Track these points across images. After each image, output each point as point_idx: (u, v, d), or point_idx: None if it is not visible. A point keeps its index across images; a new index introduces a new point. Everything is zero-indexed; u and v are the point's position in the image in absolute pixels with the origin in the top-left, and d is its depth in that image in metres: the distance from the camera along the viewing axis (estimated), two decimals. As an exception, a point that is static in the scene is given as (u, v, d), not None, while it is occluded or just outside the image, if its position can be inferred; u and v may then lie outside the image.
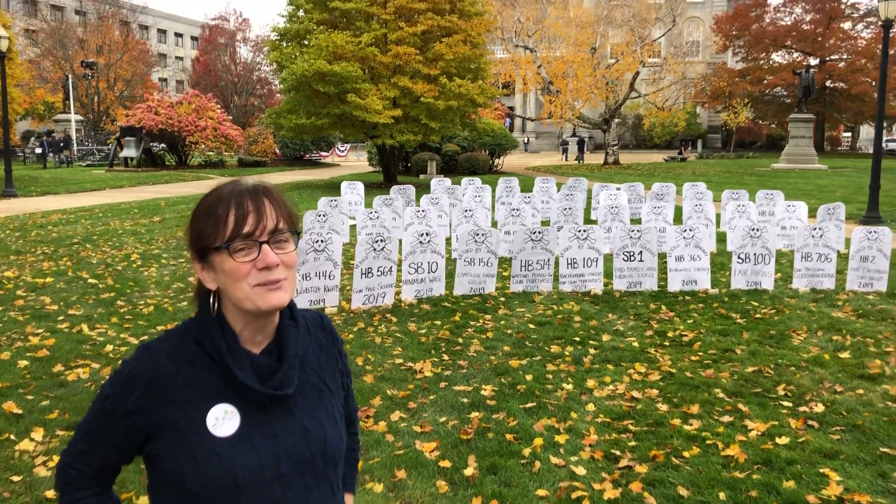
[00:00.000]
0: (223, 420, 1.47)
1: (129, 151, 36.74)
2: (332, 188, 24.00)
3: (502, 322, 7.72)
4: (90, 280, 9.77)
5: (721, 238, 12.62)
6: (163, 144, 39.41)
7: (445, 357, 6.50)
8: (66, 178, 29.52)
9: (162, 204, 19.98)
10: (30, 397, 5.45)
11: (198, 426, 1.46)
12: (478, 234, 9.02)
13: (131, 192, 24.57)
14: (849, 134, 79.98)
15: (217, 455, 1.45)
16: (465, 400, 5.44)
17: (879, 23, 16.72)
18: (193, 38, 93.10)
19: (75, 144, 45.56)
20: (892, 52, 47.36)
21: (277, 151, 43.53)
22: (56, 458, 4.40)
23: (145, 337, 7.04)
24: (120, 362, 1.55)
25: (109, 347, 6.70)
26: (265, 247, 1.45)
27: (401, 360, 6.37)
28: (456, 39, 24.28)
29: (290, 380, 1.53)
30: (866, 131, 78.75)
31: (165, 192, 24.36)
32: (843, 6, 57.70)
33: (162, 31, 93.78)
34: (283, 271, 1.48)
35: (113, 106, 59.99)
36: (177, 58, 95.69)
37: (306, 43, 24.76)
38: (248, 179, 1.55)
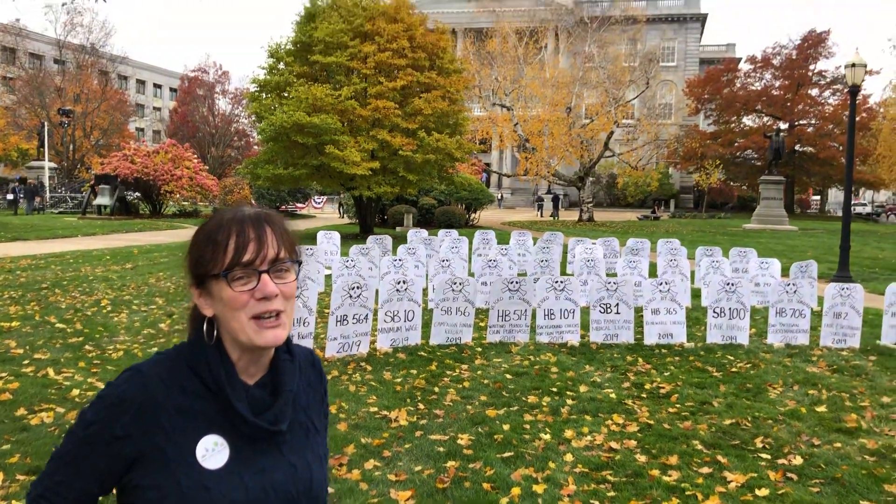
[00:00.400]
0: (213, 452, 1.41)
1: (103, 199, 36.44)
2: (308, 238, 23.90)
3: (479, 372, 7.64)
4: (58, 324, 9.55)
5: (696, 294, 12.70)
6: (137, 193, 39.17)
7: (421, 406, 6.39)
8: (38, 225, 29.15)
9: (135, 251, 19.75)
10: (-11, 441, 5.25)
11: (186, 456, 1.39)
12: (455, 283, 8.98)
13: (104, 239, 24.29)
14: (818, 197, 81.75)
15: (206, 488, 1.38)
16: (442, 449, 5.33)
17: (846, 89, 17.21)
18: (172, 90, 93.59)
19: (48, 192, 45.16)
20: (857, 118, 48.83)
21: (253, 202, 43.38)
22: (16, 503, 4.22)
23: (113, 382, 6.85)
24: (105, 386, 1.46)
25: (76, 392, 6.51)
26: (265, 276, 1.41)
27: (375, 409, 6.25)
28: (435, 95, 24.62)
29: (285, 416, 1.48)
30: (834, 195, 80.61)
31: (139, 240, 24.12)
32: (810, 73, 59.54)
33: (141, 82, 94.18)
34: (281, 302, 1.43)
35: (88, 154, 59.77)
36: (155, 108, 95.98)
37: (286, 95, 24.93)
38: (251, 206, 1.51)
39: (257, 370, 1.49)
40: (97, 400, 1.43)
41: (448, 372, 7.60)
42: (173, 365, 1.45)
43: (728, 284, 9.47)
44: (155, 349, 8.27)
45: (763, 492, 4.65)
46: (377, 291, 9.61)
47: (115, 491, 1.47)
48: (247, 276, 1.40)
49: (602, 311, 9.27)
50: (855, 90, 17.02)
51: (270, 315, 1.42)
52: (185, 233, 28.06)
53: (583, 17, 49.16)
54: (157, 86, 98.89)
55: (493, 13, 48.37)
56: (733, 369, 7.98)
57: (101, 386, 6.63)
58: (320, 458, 1.57)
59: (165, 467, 1.38)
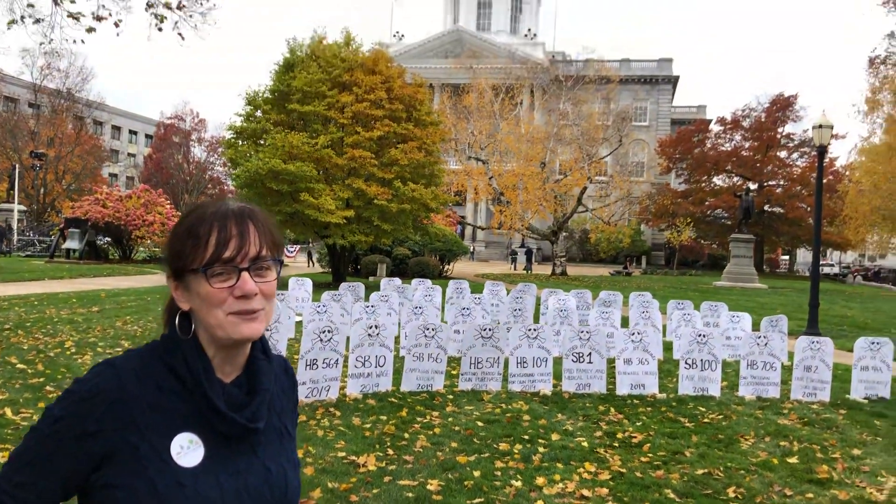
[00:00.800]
0: (187, 450, 1.35)
1: (72, 243, 35.97)
2: (280, 286, 23.72)
3: (450, 419, 7.53)
4: (19, 365, 9.29)
5: (667, 347, 12.70)
6: (108, 238, 38.73)
7: (390, 451, 6.25)
8: (3, 268, 28.62)
9: (102, 294, 19.42)
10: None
11: (160, 453, 1.33)
12: (427, 329, 8.90)
13: (71, 283, 23.88)
14: (786, 257, 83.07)
15: (181, 486, 1.32)
16: (410, 494, 5.20)
17: (813, 151, 17.66)
18: (148, 136, 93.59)
19: (16, 234, 44.54)
20: (823, 180, 50.00)
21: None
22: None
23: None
24: (74, 380, 1.38)
25: (32, 432, 6.28)
26: (245, 274, 1.38)
27: (343, 454, 6.11)
28: (411, 146, 24.82)
29: (262, 414, 1.44)
30: (803, 255, 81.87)
31: (107, 284, 23.75)
32: (778, 136, 61.08)
33: (116, 128, 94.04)
34: (260, 301, 1.40)
35: (59, 198, 59.22)
36: (129, 154, 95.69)
37: (262, 142, 25.00)
38: (234, 201, 1.48)
39: (233, 369, 1.45)
40: (66, 395, 1.36)
41: (419, 418, 7.48)
42: (147, 360, 1.40)
43: (700, 336, 9.50)
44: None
45: (736, 541, 4.58)
46: (348, 338, 9.50)
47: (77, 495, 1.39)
48: (227, 272, 1.37)
49: (575, 360, 9.23)
50: (822, 150, 17.47)
51: (249, 312, 1.39)
52: (154, 278, 27.73)
53: (558, 75, 50.16)
54: (132, 132, 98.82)
55: (469, 69, 49.21)
56: (705, 420, 7.95)
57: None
58: (294, 464, 1.53)
59: (138, 465, 1.32)
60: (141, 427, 1.33)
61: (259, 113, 25.80)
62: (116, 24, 12.20)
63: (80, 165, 61.34)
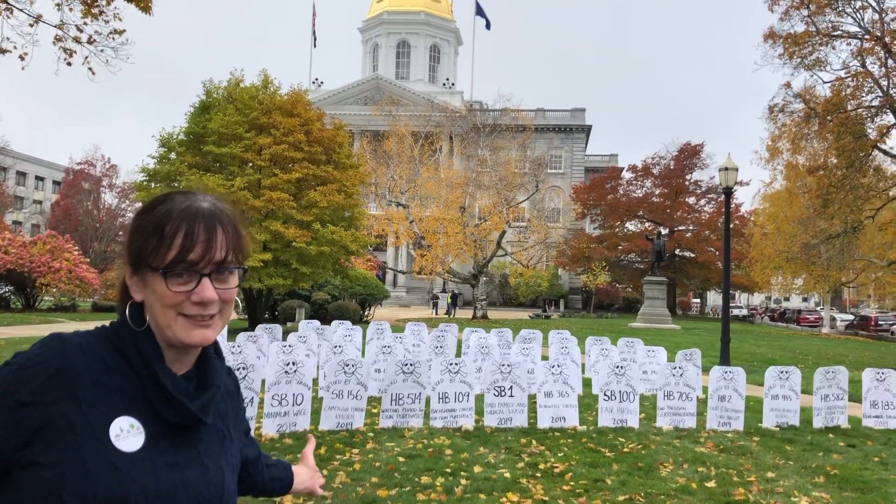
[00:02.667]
0: (127, 434, 1.26)
1: (-29, 291, 34.16)
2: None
3: (370, 455, 7.34)
4: None
5: (587, 383, 12.82)
6: (10, 287, 36.91)
7: (308, 488, 6.02)
8: None
9: (2, 343, 18.39)
10: None
11: (97, 432, 1.23)
12: (347, 365, 8.73)
13: (-33, 331, 22.55)
14: (698, 300, 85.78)
15: (114, 468, 1.22)
16: (329, 529, 5.01)
17: (720, 197, 18.39)
18: (56, 183, 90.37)
19: None
20: (731, 224, 52.15)
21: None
22: None
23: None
24: (13, 354, 1.29)
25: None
26: (205, 280, 1.32)
27: (259, 491, 5.85)
28: (331, 188, 24.69)
29: (210, 409, 1.38)
30: (713, 297, 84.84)
31: (8, 333, 22.52)
32: (687, 183, 63.54)
33: (22, 174, 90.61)
34: (216, 307, 1.34)
35: (-42, 245, 56.26)
36: (35, 201, 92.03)
37: (176, 184, 24.42)
38: (206, 197, 1.41)
39: (182, 366, 1.39)
40: (4, 365, 1.27)
41: (338, 455, 7.27)
42: (96, 340, 1.32)
43: (618, 367, 9.62)
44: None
45: (659, 561, 4.56)
46: (263, 381, 9.23)
47: None
48: (187, 276, 1.31)
49: (496, 394, 9.19)
50: (728, 191, 18.19)
51: (203, 317, 1.33)
52: (61, 327, 26.50)
53: (476, 123, 51.05)
54: (39, 178, 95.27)
55: (389, 115, 49.60)
56: (625, 450, 8.00)
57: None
58: (233, 467, 1.47)
59: (71, 442, 1.22)
60: (80, 402, 1.24)
61: (173, 155, 25.25)
62: (22, 58, 11.78)
63: (-20, 212, 58.60)
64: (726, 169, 17.88)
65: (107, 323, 1.38)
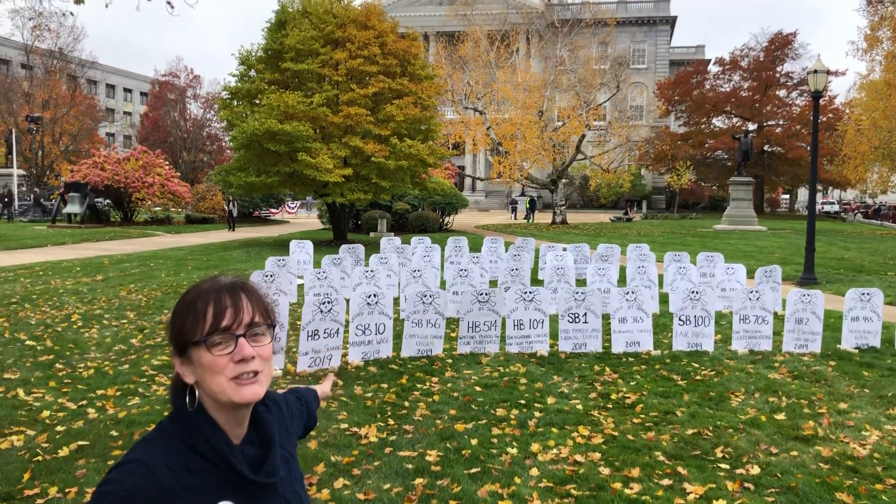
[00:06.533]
0: None
1: (73, 207, 36.11)
2: (281, 246, 23.92)
3: (449, 385, 7.75)
4: (28, 342, 9.52)
5: (664, 299, 12.92)
6: (108, 200, 38.84)
7: (391, 421, 6.48)
8: (6, 235, 28.81)
9: (105, 262, 19.61)
10: (-41, 467, 5.27)
11: None
12: (425, 296, 9.09)
13: (74, 249, 24.08)
14: (787, 196, 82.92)
15: None
16: (410, 466, 5.43)
17: (811, 92, 17.57)
18: (143, 94, 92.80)
19: (16, 200, 44.62)
20: (823, 119, 49.72)
21: (226, 208, 43.28)
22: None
23: (84, 402, 6.88)
24: (106, 478, 1.46)
25: (46, 413, 6.52)
26: (241, 340, 1.52)
27: (346, 425, 6.34)
28: (406, 101, 24.71)
29: (278, 466, 1.61)
30: (803, 193, 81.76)
31: (109, 249, 23.94)
32: (777, 75, 60.48)
33: (111, 87, 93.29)
34: (258, 364, 1.54)
35: (57, 161, 59.11)
36: (125, 113, 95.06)
37: (257, 102, 24.91)
38: (226, 276, 1.62)
39: (241, 429, 1.59)
40: (103, 496, 1.43)
41: (419, 385, 7.71)
42: (170, 447, 1.50)
43: (693, 293, 9.66)
44: (126, 366, 8.29)
45: (720, 502, 4.81)
46: (348, 301, 9.69)
47: None
48: (225, 340, 1.51)
49: (570, 320, 9.43)
50: (818, 96, 17.40)
51: (248, 374, 1.53)
52: (157, 240, 27.95)
53: (553, 20, 49.47)
54: (127, 90, 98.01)
55: (464, 17, 48.51)
56: (697, 377, 8.17)
57: (73, 407, 6.67)
58: (302, 485, 1.73)
59: None
60: None
61: (253, 72, 25.66)
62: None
63: (76, 126, 61.06)
64: (815, 72, 17.04)
65: (165, 415, 1.60)
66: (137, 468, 1.44)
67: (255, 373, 1.53)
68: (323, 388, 2.36)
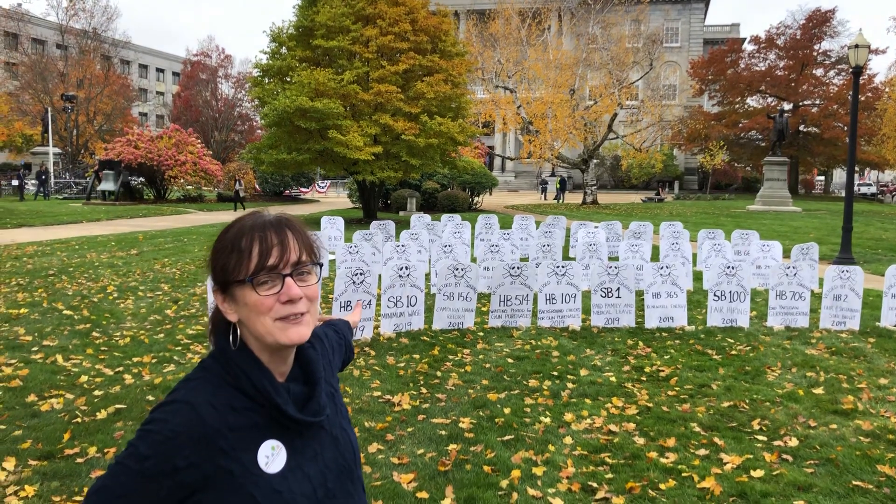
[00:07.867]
0: (273, 457, 1.46)
1: (108, 185, 36.59)
2: (312, 223, 24.02)
3: (481, 356, 7.74)
4: (65, 311, 9.67)
5: (697, 277, 12.76)
6: (141, 178, 39.29)
7: (424, 390, 6.49)
8: (43, 211, 29.29)
9: (140, 237, 19.87)
10: (2, 427, 5.37)
11: (251, 469, 1.42)
12: (457, 269, 9.06)
13: (109, 225, 24.42)
14: (822, 178, 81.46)
15: (277, 493, 1.43)
16: (444, 432, 5.43)
17: (850, 70, 17.15)
18: (175, 74, 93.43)
19: (52, 178, 45.32)
20: (861, 98, 48.64)
21: (257, 187, 43.57)
22: (28, 488, 4.34)
23: (120, 368, 6.98)
24: (150, 417, 1.42)
25: (84, 378, 6.62)
26: (289, 280, 1.44)
27: (379, 393, 6.36)
28: (437, 79, 24.59)
29: (324, 403, 1.55)
30: (839, 175, 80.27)
31: (143, 225, 24.24)
32: (815, 53, 59.23)
33: (143, 66, 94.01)
34: (305, 304, 1.47)
35: (91, 139, 59.84)
36: (158, 93, 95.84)
37: (288, 80, 24.95)
38: (269, 211, 1.55)
39: (286, 367, 1.54)
40: (147, 434, 1.39)
41: (450, 356, 7.70)
42: (214, 386, 1.45)
43: (729, 268, 9.53)
44: (161, 336, 8.39)
45: (758, 473, 4.75)
46: (380, 276, 9.70)
47: None
48: (271, 280, 1.44)
49: (603, 295, 9.35)
50: (858, 72, 16.96)
51: (295, 315, 1.46)
52: (190, 217, 28.24)
53: (586, -3, 48.82)
54: (159, 70, 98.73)
55: (495, -6, 48.10)
56: (733, 352, 8.06)
57: (109, 373, 6.77)
58: (348, 419, 1.67)
59: (234, 485, 1.40)
60: (228, 451, 1.41)
61: (284, 50, 25.68)
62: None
63: (110, 106, 61.69)
64: (857, 46, 16.60)
65: (205, 354, 1.55)
66: (182, 408, 1.40)
67: (302, 314, 1.46)
68: (353, 318, 2.33)
